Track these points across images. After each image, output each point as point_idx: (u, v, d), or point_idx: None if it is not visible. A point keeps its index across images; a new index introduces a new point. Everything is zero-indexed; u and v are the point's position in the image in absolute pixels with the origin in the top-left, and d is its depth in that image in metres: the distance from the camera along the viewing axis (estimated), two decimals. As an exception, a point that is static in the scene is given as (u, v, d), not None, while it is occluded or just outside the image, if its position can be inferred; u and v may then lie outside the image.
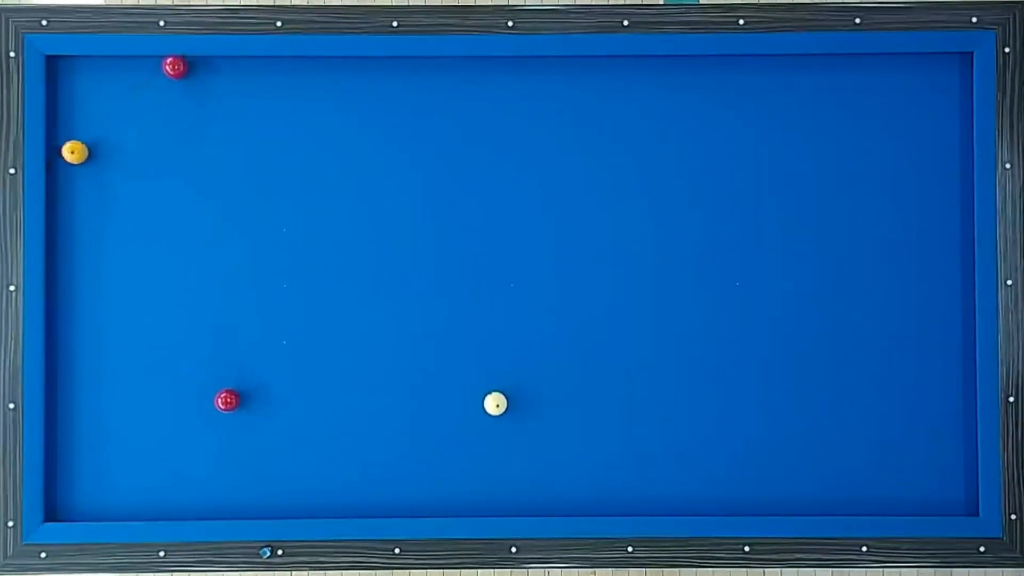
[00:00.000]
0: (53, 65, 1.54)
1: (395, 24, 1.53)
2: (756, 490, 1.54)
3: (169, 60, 1.52)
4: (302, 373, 1.55)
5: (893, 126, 1.56)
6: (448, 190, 1.56)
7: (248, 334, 1.55)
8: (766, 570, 1.77)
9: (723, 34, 1.53)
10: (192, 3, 1.67)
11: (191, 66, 1.54)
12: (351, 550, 1.51)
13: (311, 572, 1.64)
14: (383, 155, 1.56)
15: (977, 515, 1.52)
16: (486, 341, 1.55)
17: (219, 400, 1.51)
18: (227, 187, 1.55)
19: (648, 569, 1.65)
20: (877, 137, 1.56)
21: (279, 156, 1.56)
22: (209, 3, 1.63)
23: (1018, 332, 1.52)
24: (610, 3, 1.63)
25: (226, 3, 1.60)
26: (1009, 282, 1.52)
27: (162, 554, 1.51)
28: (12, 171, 1.51)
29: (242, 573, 1.56)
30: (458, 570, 1.65)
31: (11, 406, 1.51)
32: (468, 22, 1.54)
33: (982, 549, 1.52)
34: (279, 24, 1.54)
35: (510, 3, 1.59)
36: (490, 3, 1.62)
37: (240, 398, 1.53)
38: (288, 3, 1.76)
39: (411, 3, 1.76)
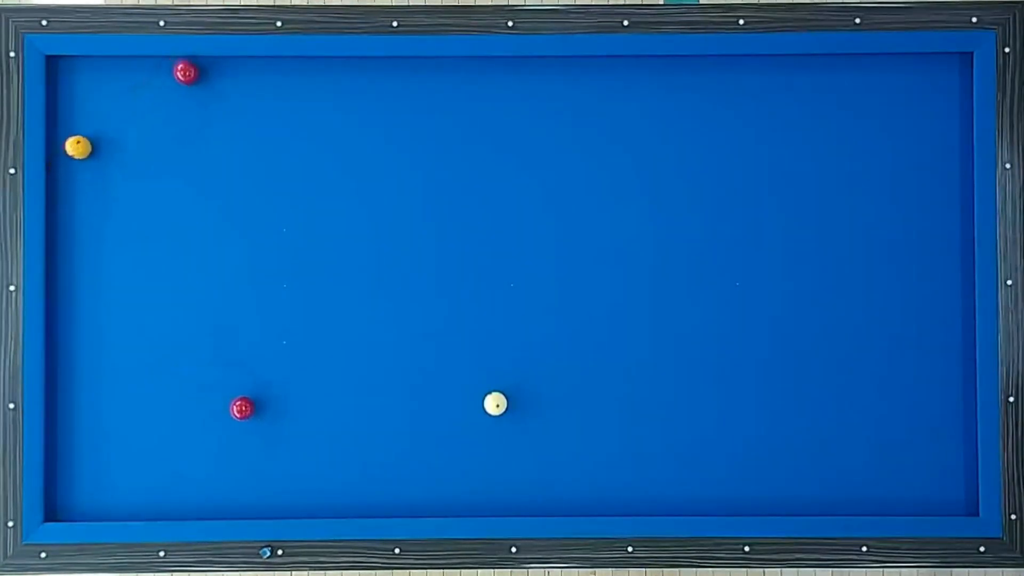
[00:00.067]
0: (53, 65, 1.54)
1: (395, 24, 1.54)
2: (756, 490, 1.54)
3: (180, 66, 1.52)
4: (302, 373, 1.55)
5: (893, 126, 1.56)
6: (448, 190, 1.56)
7: (248, 334, 1.55)
8: (766, 570, 1.77)
9: (723, 34, 1.53)
10: (192, 3, 1.67)
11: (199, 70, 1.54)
12: (351, 550, 1.51)
13: (311, 572, 1.64)
14: (383, 155, 1.56)
15: (977, 515, 1.52)
16: (486, 341, 1.55)
17: (234, 408, 1.51)
18: (227, 187, 1.55)
19: (648, 569, 1.65)
20: (877, 137, 1.56)
21: (279, 156, 1.56)
22: (209, 3, 1.63)
23: (1018, 332, 1.52)
24: (610, 3, 1.63)
25: (226, 3, 1.60)
26: (1009, 282, 1.52)
27: (162, 554, 1.51)
28: (12, 171, 1.51)
29: (242, 573, 1.56)
30: (458, 570, 1.65)
31: (11, 406, 1.51)
32: (468, 22, 1.54)
33: (982, 549, 1.52)
34: (279, 24, 1.54)
35: (510, 3, 1.59)
36: (490, 3, 1.62)
37: (255, 406, 1.53)
38: (288, 3, 1.76)
39: (411, 3, 1.76)
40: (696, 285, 1.55)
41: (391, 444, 1.54)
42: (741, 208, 1.55)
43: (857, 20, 1.53)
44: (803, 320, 1.55)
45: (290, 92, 1.56)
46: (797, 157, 1.56)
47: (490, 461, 1.54)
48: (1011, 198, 1.52)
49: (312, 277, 1.55)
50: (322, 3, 1.71)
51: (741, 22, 1.54)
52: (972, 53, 1.54)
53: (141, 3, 1.77)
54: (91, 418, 1.54)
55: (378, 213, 1.55)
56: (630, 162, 1.56)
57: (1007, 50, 1.53)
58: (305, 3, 1.76)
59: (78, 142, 1.50)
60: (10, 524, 1.51)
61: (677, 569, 1.62)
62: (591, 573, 1.74)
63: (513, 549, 1.52)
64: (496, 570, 1.57)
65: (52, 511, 1.53)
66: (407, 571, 1.59)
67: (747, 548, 1.52)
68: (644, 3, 1.62)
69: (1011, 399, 1.52)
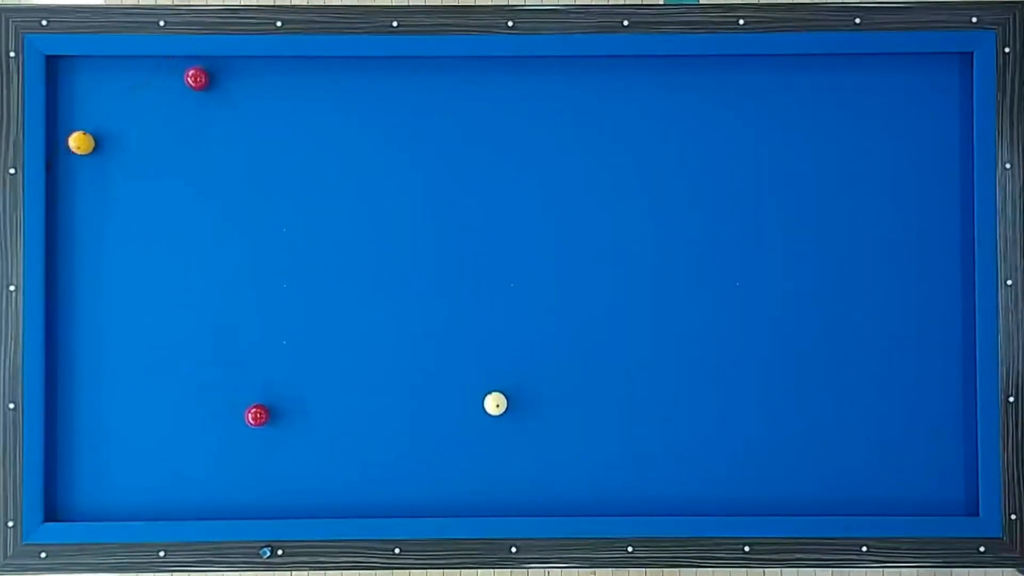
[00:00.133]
0: (53, 65, 1.54)
1: (395, 24, 1.53)
2: (756, 490, 1.54)
3: (192, 72, 1.52)
4: (302, 373, 1.55)
5: (893, 126, 1.56)
6: (448, 190, 1.56)
7: (248, 334, 1.55)
8: (766, 570, 1.77)
9: (723, 34, 1.53)
10: (192, 3, 1.67)
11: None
12: (351, 550, 1.51)
13: (311, 572, 1.64)
14: (383, 155, 1.56)
15: (977, 515, 1.52)
16: (486, 341, 1.55)
17: (249, 415, 1.51)
18: (227, 187, 1.55)
19: (648, 569, 1.65)
20: (877, 137, 1.56)
21: (279, 156, 1.56)
22: (209, 3, 1.63)
23: (1018, 332, 1.52)
24: (610, 3, 1.63)
25: (226, 3, 1.59)
26: (1009, 282, 1.52)
27: (162, 554, 1.51)
28: (12, 171, 1.51)
29: (242, 573, 1.56)
30: (458, 570, 1.66)
31: (11, 406, 1.51)
32: (468, 22, 1.54)
33: (982, 549, 1.52)
34: (279, 24, 1.54)
35: (510, 3, 1.59)
36: (490, 3, 1.62)
37: (270, 413, 1.53)
38: (288, 3, 1.77)
39: (411, 3, 1.77)
40: (696, 285, 1.55)
41: (391, 444, 1.54)
42: (741, 208, 1.55)
43: (857, 20, 1.53)
44: (803, 320, 1.55)
45: (290, 92, 1.56)
46: (797, 157, 1.56)
47: (490, 461, 1.54)
48: (1011, 198, 1.52)
49: (312, 277, 1.55)
50: (322, 3, 1.71)
51: (741, 22, 1.54)
52: (972, 53, 1.54)
53: (141, 3, 1.78)
54: (91, 418, 1.54)
55: (378, 213, 1.55)
56: (630, 162, 1.56)
57: (1007, 50, 1.53)
58: (305, 3, 1.76)
59: (82, 136, 1.50)
60: (10, 524, 1.51)
61: (677, 569, 1.62)
62: (591, 573, 1.74)
63: (513, 549, 1.52)
64: (496, 570, 1.57)
65: (52, 511, 1.53)
66: (407, 571, 1.59)
67: (747, 548, 1.52)
68: (644, 3, 1.62)
69: (1011, 399, 1.52)
